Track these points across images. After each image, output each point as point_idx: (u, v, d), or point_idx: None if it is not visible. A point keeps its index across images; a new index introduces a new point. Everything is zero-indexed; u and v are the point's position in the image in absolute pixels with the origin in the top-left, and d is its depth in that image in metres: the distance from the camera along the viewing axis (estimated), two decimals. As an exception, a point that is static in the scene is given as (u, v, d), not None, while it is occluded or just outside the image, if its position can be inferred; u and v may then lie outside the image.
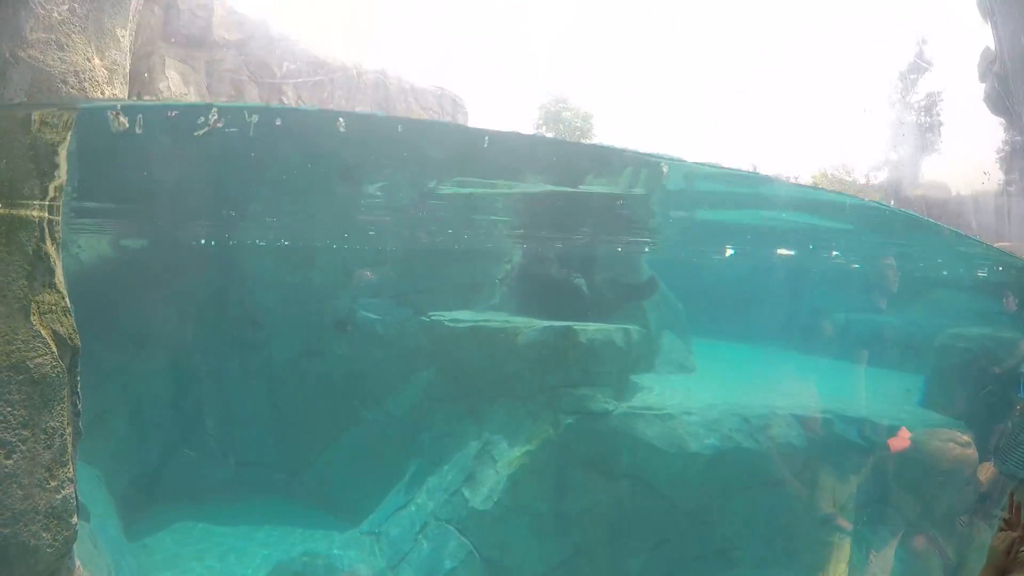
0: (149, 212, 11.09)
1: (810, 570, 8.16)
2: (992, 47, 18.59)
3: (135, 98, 9.47)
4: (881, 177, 25.35)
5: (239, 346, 12.12)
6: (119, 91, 3.75)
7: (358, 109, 20.13)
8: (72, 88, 3.42)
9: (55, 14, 3.32)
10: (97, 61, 3.57)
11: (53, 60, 3.33)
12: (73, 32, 3.42)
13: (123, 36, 3.77)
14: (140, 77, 9.64)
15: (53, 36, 3.33)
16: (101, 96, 3.61)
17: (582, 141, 33.29)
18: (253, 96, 18.10)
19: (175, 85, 16.08)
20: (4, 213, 3.66)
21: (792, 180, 31.40)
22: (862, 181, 25.74)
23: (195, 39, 16.98)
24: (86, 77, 3.49)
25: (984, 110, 19.32)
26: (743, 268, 17.85)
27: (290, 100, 18.97)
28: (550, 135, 33.38)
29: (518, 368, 9.87)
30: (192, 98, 16.00)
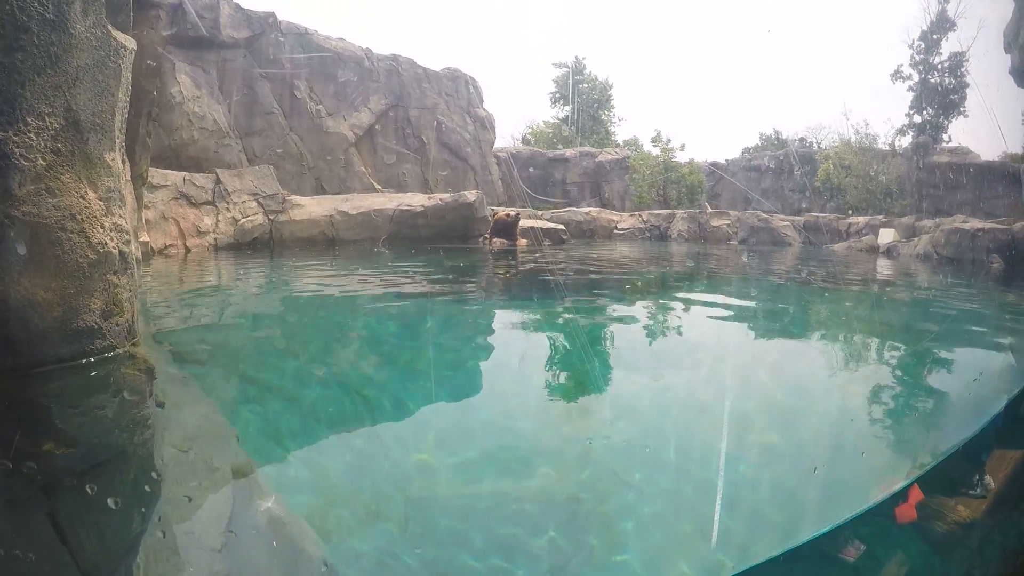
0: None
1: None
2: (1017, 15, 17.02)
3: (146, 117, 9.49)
4: (905, 142, 23.95)
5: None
6: (118, 218, 3.67)
7: (372, 98, 19.68)
8: (72, 233, 3.36)
9: (40, 161, 3.21)
10: (91, 195, 3.47)
11: (48, 210, 3.25)
12: (62, 174, 3.31)
13: (113, 160, 3.66)
14: (148, 95, 9.52)
15: (43, 185, 3.22)
16: (102, 229, 3.54)
17: (601, 114, 31.43)
18: (265, 92, 17.78)
19: (186, 89, 15.88)
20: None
21: (815, 146, 29.54)
22: (885, 148, 24.30)
23: (203, 40, 16.67)
24: (83, 217, 3.41)
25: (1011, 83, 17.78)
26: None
27: (303, 94, 18.59)
28: (566, 108, 31.65)
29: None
30: (204, 100, 15.78)
